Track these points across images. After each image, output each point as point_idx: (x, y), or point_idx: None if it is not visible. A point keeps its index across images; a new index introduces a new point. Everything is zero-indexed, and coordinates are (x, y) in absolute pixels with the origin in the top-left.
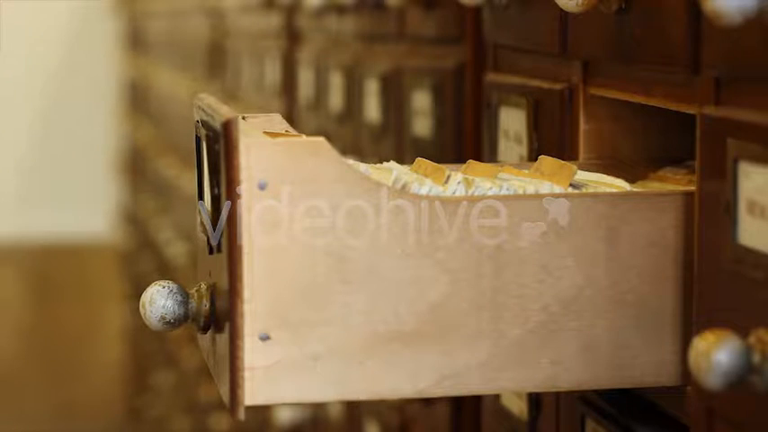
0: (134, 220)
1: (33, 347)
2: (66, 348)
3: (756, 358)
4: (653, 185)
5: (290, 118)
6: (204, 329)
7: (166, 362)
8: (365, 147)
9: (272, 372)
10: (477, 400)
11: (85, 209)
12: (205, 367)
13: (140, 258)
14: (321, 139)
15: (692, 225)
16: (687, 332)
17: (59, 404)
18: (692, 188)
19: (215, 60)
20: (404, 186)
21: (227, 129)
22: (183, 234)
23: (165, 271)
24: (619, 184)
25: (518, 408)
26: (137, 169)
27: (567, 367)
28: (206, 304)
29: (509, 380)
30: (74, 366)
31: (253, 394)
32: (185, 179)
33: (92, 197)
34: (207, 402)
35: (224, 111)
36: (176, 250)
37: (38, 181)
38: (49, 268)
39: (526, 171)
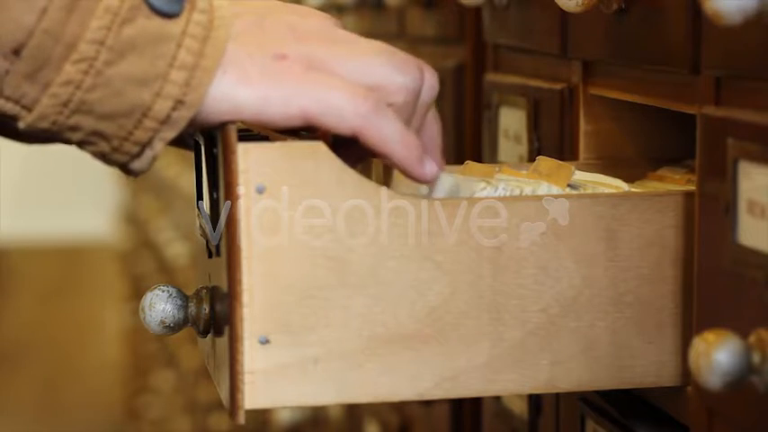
0: (134, 221)
1: (33, 347)
2: (66, 348)
3: (756, 358)
4: (652, 185)
5: None
6: (204, 333)
7: (166, 362)
8: None
9: (271, 375)
10: (477, 400)
11: (85, 209)
12: (205, 367)
13: (140, 259)
14: (319, 142)
15: (692, 225)
16: (687, 332)
17: (59, 404)
18: (692, 188)
19: None
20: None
21: (225, 133)
22: (183, 234)
23: (165, 271)
24: (617, 185)
25: (518, 408)
26: None
27: (567, 368)
28: (205, 308)
29: (509, 381)
30: (73, 366)
31: (253, 398)
32: (185, 179)
33: (92, 197)
34: (207, 403)
35: None
36: (176, 251)
37: (38, 181)
38: (48, 268)
39: (524, 172)
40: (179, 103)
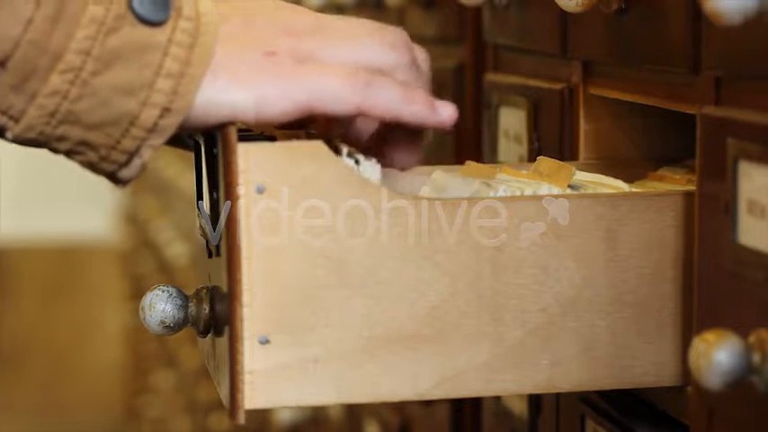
0: (134, 221)
1: (33, 347)
2: (66, 348)
3: (756, 358)
4: (652, 185)
5: None
6: (204, 333)
7: (166, 362)
8: None
9: (271, 375)
10: (477, 399)
11: (85, 209)
12: (205, 367)
13: (140, 259)
14: (319, 141)
15: (692, 225)
16: (687, 332)
17: (59, 404)
18: (692, 188)
19: None
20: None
21: (225, 133)
22: (183, 234)
23: (165, 271)
24: (617, 185)
25: (518, 408)
26: None
27: (567, 368)
28: (205, 308)
29: (509, 381)
30: (73, 366)
31: (253, 398)
32: (185, 179)
33: (92, 197)
34: (207, 403)
35: None
36: (176, 251)
37: (38, 181)
38: (48, 268)
39: (524, 172)
40: (166, 110)
